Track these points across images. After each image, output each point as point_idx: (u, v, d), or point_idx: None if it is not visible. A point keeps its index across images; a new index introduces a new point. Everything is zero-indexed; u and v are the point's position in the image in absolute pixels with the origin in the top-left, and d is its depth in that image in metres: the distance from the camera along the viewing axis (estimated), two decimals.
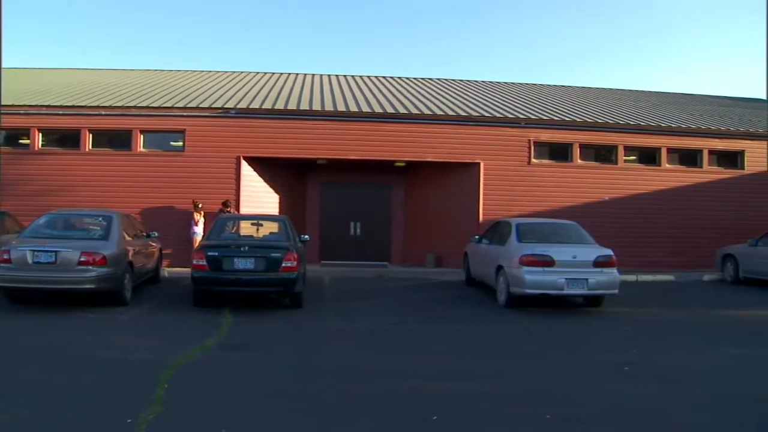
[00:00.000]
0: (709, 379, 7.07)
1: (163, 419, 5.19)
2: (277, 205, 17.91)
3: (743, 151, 19.39)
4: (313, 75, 25.73)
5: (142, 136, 16.87)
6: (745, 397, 6.29)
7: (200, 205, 16.08)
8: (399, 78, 26.41)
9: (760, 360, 8.10)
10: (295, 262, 10.57)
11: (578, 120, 18.68)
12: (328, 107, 17.86)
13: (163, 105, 17.18)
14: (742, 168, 19.42)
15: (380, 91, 22.07)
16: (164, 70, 26.01)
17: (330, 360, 7.52)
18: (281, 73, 25.77)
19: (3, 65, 15.63)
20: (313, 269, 16.11)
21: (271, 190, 17.95)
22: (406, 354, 8.09)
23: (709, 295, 14.65)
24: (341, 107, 17.97)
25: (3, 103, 15.56)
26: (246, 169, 17.16)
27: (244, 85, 21.75)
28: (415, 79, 26.45)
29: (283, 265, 10.43)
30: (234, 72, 25.65)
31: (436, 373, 6.99)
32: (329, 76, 25.56)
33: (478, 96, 22.21)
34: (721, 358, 8.20)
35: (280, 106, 17.74)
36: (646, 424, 5.42)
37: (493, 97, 22.18)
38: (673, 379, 7.00)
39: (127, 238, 11.62)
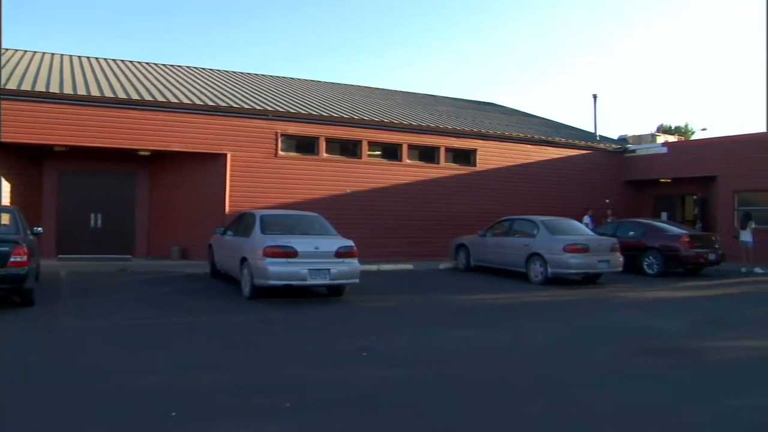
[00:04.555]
0: (440, 360, 8.24)
1: None
2: (7, 195, 18.23)
3: (476, 149, 24.23)
4: (53, 54, 26.04)
5: None
6: (475, 373, 7.60)
7: None
8: (146, 63, 27.62)
9: (485, 340, 9.68)
10: (26, 257, 10.65)
11: (325, 114, 21.73)
12: (68, 90, 18.49)
13: None
14: (474, 165, 24.23)
15: (125, 76, 23.24)
16: None
17: (63, 360, 7.71)
18: (16, 50, 25.54)
19: None
20: (50, 264, 16.87)
21: None
22: (147, 349, 8.49)
23: (444, 282, 17.51)
24: (82, 91, 18.68)
25: None
26: None
27: None
28: (163, 65, 27.96)
29: (12, 260, 10.49)
30: None
31: (178, 367, 7.51)
32: (71, 56, 26.11)
33: (226, 86, 24.40)
34: (451, 339, 9.59)
35: (12, 86, 17.87)
36: (378, 406, 6.17)
37: (241, 88, 24.46)
38: (408, 361, 8.10)
39: None
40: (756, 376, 7.91)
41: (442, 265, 21.28)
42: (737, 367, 8.47)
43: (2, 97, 17.41)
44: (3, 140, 17.28)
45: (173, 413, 5.80)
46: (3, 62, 20.40)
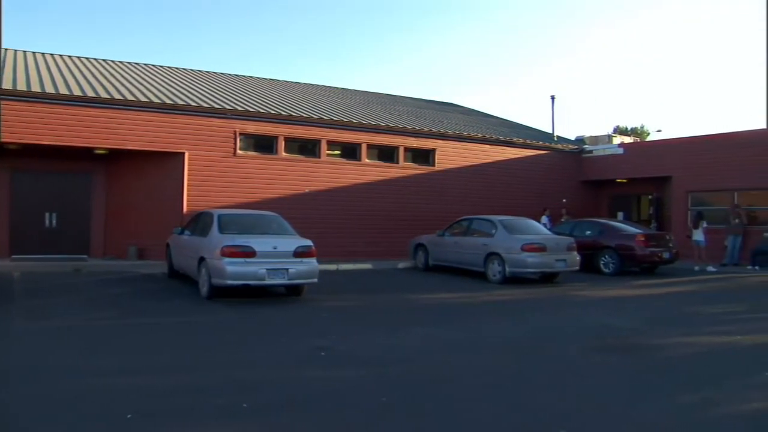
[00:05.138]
0: (398, 359, 8.26)
1: None
2: None
3: (435, 149, 24.40)
4: (6, 50, 24.96)
5: None
6: (433, 372, 7.65)
7: None
8: (104, 61, 27.23)
9: (443, 339, 9.72)
10: None
11: (284, 113, 21.69)
12: (21, 86, 18.13)
13: None
14: (433, 165, 24.40)
15: (81, 73, 22.93)
16: None
17: (15, 363, 7.61)
18: None
19: None
20: (2, 264, 16.86)
21: None
22: (103, 351, 8.38)
23: (402, 281, 17.55)
24: (36, 87, 18.39)
25: None
26: None
27: None
28: (120, 62, 27.58)
29: None
30: None
31: (134, 368, 7.44)
32: (24, 52, 25.74)
33: (185, 84, 24.22)
34: (410, 339, 9.63)
35: None
36: (336, 406, 6.21)
37: (200, 87, 24.27)
38: (366, 361, 8.10)
39: None
40: (705, 371, 8.12)
41: (401, 265, 21.38)
42: (688, 362, 8.70)
43: (2, 97, 17.33)
44: None
45: (129, 415, 5.74)
46: None
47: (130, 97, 19.66)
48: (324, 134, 22.42)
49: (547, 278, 18.09)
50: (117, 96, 19.56)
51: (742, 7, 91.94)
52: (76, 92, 19.06)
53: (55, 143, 18.22)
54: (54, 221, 20.28)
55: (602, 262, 20.38)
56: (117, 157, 20.31)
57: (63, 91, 18.92)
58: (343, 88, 33.31)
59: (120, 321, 10.82)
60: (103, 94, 19.44)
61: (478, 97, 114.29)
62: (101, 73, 24.06)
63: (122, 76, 24.14)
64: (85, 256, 20.18)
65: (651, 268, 20.96)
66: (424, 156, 24.72)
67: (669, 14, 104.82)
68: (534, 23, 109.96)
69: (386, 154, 23.95)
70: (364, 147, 23.25)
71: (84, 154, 19.67)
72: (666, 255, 20.42)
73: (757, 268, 21.91)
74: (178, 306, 12.48)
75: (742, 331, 11.11)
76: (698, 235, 22.35)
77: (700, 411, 6.52)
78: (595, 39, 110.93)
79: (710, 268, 21.75)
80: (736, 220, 22.90)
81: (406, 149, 24.22)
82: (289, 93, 27.68)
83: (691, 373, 8.07)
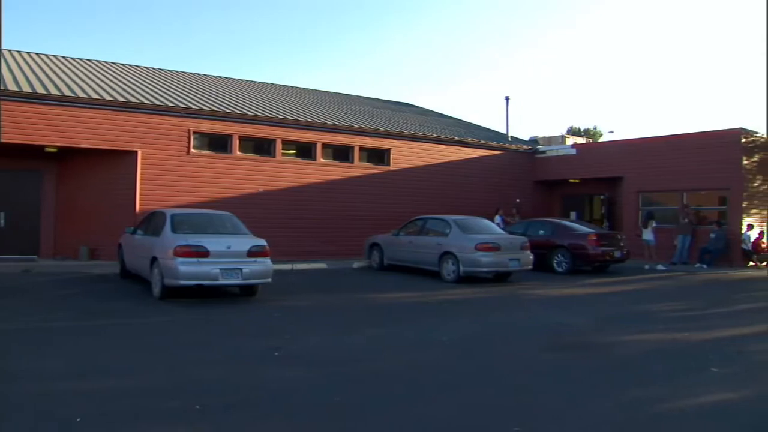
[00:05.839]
0: (351, 358, 8.32)
1: None
2: None
3: (390, 149, 24.53)
4: None
5: None
6: (386, 372, 7.70)
7: None
8: (54, 56, 26.69)
9: (397, 338, 9.83)
10: None
11: (239, 112, 21.56)
12: None
13: None
14: (389, 165, 24.52)
15: (31, 68, 22.50)
16: None
17: None
18: None
19: None
20: None
21: None
22: (52, 353, 8.24)
23: (357, 281, 17.58)
24: None
25: None
26: None
27: None
28: (72, 59, 27.09)
29: None
30: None
31: (84, 371, 7.35)
32: None
33: (138, 82, 23.89)
34: (364, 338, 9.71)
35: None
36: (289, 406, 6.21)
37: (153, 84, 23.99)
38: (320, 360, 8.13)
39: None
40: (655, 368, 8.30)
41: (356, 264, 21.44)
42: (639, 359, 8.89)
43: (2, 98, 17.04)
44: None
45: (78, 419, 5.65)
46: None
47: (81, 95, 19.31)
48: (279, 133, 22.33)
49: (501, 277, 18.27)
50: (68, 93, 19.18)
51: (694, 8, 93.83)
52: (26, 88, 18.67)
53: (3, 141, 17.71)
54: (2, 221, 19.88)
55: (555, 261, 20.67)
56: (68, 155, 19.97)
57: (12, 87, 18.50)
58: (299, 88, 33.24)
59: (71, 323, 10.65)
60: (54, 91, 19.06)
61: (433, 98, 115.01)
62: (51, 69, 23.59)
63: (74, 72, 23.70)
64: (34, 256, 19.81)
65: (603, 267, 21.33)
66: (379, 156, 24.81)
67: (622, 17, 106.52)
68: (489, 24, 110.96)
69: (341, 153, 23.96)
70: (319, 146, 23.22)
71: (34, 152, 19.28)
72: (617, 254, 20.80)
73: (705, 266, 22.43)
74: (129, 307, 12.33)
75: (690, 328, 11.43)
76: (648, 235, 22.85)
77: (650, 406, 6.66)
78: (551, 40, 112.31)
79: (660, 267, 22.21)
80: (686, 220, 23.45)
81: (362, 149, 24.28)
82: (244, 92, 27.52)
83: (642, 369, 8.24)
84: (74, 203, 20.32)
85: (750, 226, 23.44)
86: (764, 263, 23.26)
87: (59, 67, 24.33)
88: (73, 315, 11.35)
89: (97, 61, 28.14)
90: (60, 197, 20.58)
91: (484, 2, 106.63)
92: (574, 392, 7.10)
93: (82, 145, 18.94)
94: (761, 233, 23.56)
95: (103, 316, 11.34)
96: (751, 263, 23.33)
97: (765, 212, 24.74)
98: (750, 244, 23.23)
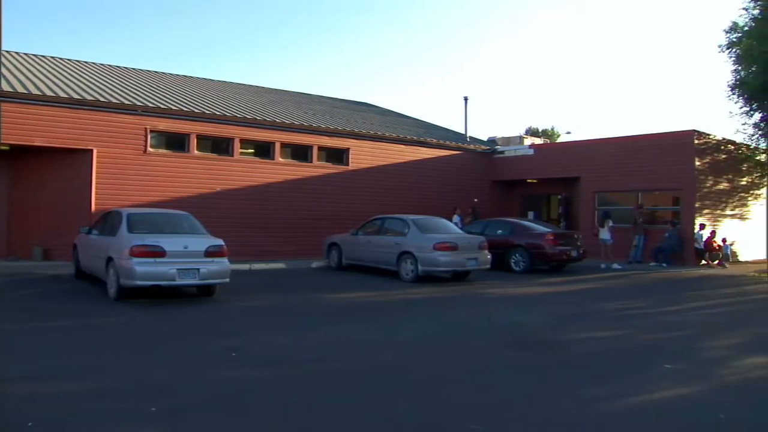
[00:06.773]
0: (310, 358, 8.30)
1: None
2: None
3: (349, 149, 24.55)
4: None
5: None
6: (344, 371, 7.72)
7: None
8: (7, 52, 25.39)
9: (356, 338, 9.83)
10: None
11: (197, 111, 21.38)
12: None
13: None
14: (347, 164, 24.53)
15: None
16: None
17: None
18: None
19: None
20: None
21: None
22: (3, 356, 8.10)
23: (316, 280, 17.61)
24: None
25: None
26: None
27: None
28: (25, 54, 26.54)
29: None
30: None
31: (36, 373, 7.24)
32: None
33: (94, 79, 23.54)
34: (322, 338, 9.68)
35: None
36: (246, 406, 6.17)
37: (110, 82, 23.62)
38: (278, 360, 8.13)
39: None
40: (610, 366, 8.50)
41: (314, 264, 21.42)
42: (594, 357, 9.06)
43: (2, 99, 16.79)
44: None
45: (30, 423, 5.52)
46: None
47: (35, 92, 18.93)
48: (237, 132, 22.21)
49: (459, 276, 18.39)
50: (21, 90, 18.77)
51: (650, 10, 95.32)
52: None
53: None
54: None
55: (513, 260, 20.84)
56: (21, 153, 19.64)
57: None
58: (257, 87, 33.06)
59: (23, 324, 10.48)
60: (6, 88, 18.63)
61: (393, 98, 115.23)
62: (4, 65, 22.87)
63: (27, 69, 23.23)
64: None
65: (560, 266, 21.59)
66: (338, 155, 24.82)
67: (582, 20, 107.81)
68: (449, 25, 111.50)
69: (300, 153, 23.92)
70: (277, 146, 23.15)
71: None
72: (574, 253, 21.06)
73: (665, 264, 22.85)
74: (84, 308, 12.18)
75: (644, 325, 11.66)
76: (604, 234, 23.15)
77: (605, 403, 6.79)
78: (509, 41, 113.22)
79: (616, 266, 22.56)
80: (640, 220, 23.82)
81: (321, 148, 24.27)
82: (202, 90, 27.28)
83: (597, 367, 8.42)
84: (28, 203, 20.03)
85: (702, 226, 23.92)
86: (716, 262, 23.76)
87: (12, 63, 23.76)
88: (25, 317, 11.13)
89: (51, 57, 27.60)
90: (13, 196, 20.29)
91: (444, 3, 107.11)
92: (532, 390, 7.19)
93: (36, 144, 18.60)
94: (713, 232, 24.06)
95: (57, 318, 11.15)
96: (704, 262, 23.85)
97: (716, 212, 25.24)
98: (702, 243, 23.73)
